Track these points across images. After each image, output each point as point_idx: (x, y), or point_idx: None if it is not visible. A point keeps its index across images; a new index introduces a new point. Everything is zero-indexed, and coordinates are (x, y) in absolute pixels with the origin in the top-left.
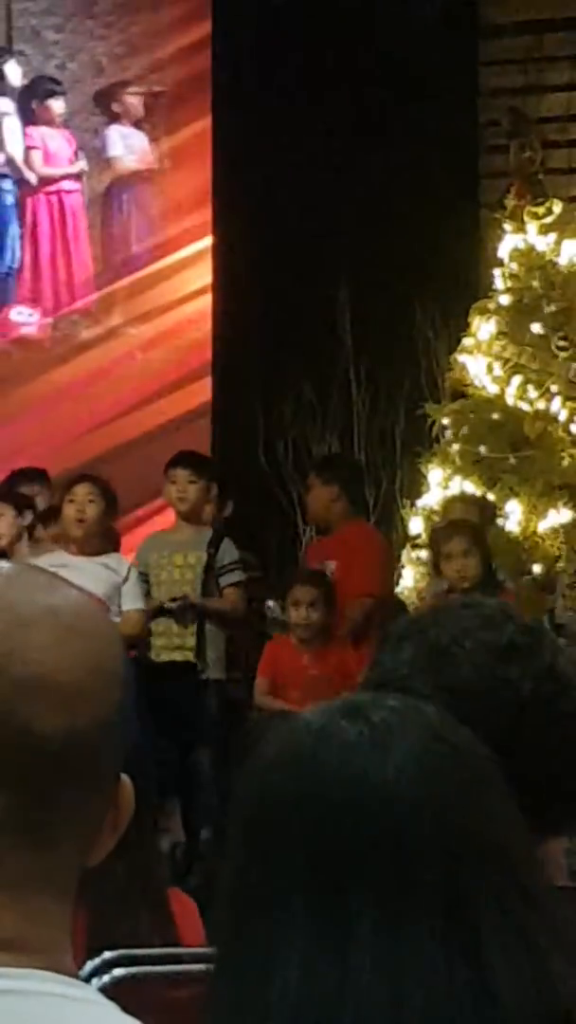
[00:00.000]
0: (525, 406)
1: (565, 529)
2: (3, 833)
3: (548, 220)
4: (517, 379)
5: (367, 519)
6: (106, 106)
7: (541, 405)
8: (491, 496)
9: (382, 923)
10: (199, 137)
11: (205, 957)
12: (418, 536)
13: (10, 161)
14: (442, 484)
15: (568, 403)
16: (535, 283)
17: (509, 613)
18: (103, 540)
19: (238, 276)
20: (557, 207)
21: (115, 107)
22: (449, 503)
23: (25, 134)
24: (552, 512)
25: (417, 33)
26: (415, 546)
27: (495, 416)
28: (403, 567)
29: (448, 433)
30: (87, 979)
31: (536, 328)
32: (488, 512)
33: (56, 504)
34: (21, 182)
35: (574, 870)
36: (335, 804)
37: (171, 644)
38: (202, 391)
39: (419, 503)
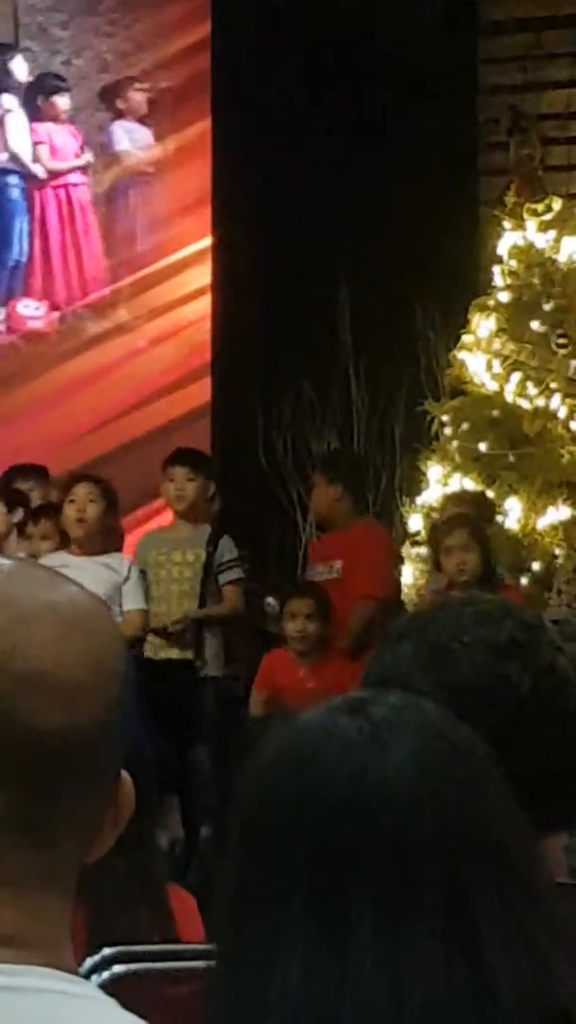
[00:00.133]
0: (524, 403)
1: (564, 526)
2: (3, 831)
3: (548, 217)
4: (516, 376)
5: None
6: (111, 102)
7: (540, 402)
8: (490, 493)
9: (382, 922)
10: (199, 136)
11: (205, 953)
12: (417, 533)
13: (14, 157)
14: (441, 481)
15: (567, 400)
16: (534, 280)
17: (509, 610)
18: (105, 540)
19: (238, 275)
20: (557, 204)
21: (120, 103)
22: (444, 501)
23: (31, 130)
24: (551, 509)
25: (417, 32)
26: (414, 543)
27: (494, 413)
28: (402, 564)
29: (447, 430)
30: (87, 976)
31: (535, 325)
32: (485, 509)
33: (48, 502)
34: (28, 177)
35: (573, 867)
36: (335, 802)
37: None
38: (203, 391)
39: (418, 500)
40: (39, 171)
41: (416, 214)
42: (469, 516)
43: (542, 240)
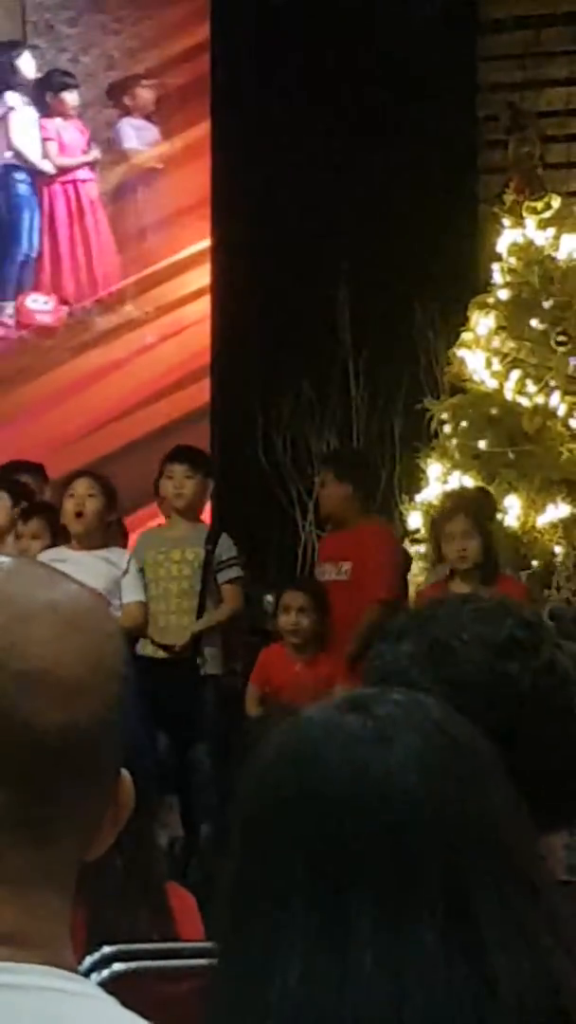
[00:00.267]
0: (524, 401)
1: (564, 524)
2: (3, 829)
3: (547, 215)
4: (516, 374)
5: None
6: (118, 99)
7: (540, 400)
8: (490, 491)
9: (382, 920)
10: (200, 136)
11: (204, 952)
12: (417, 531)
13: (19, 154)
14: (441, 479)
15: (567, 398)
16: (534, 278)
17: (508, 608)
18: (104, 535)
19: (238, 275)
20: (556, 202)
21: (127, 100)
22: (444, 499)
23: (40, 126)
24: (551, 507)
25: (416, 31)
26: (414, 541)
27: (494, 411)
28: (410, 565)
29: (447, 428)
30: (86, 974)
31: (535, 323)
32: (486, 507)
33: (39, 501)
34: (36, 173)
35: (573, 865)
36: (335, 800)
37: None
38: (204, 392)
39: (418, 498)
40: (48, 167)
41: (415, 213)
42: (470, 503)
43: (541, 238)
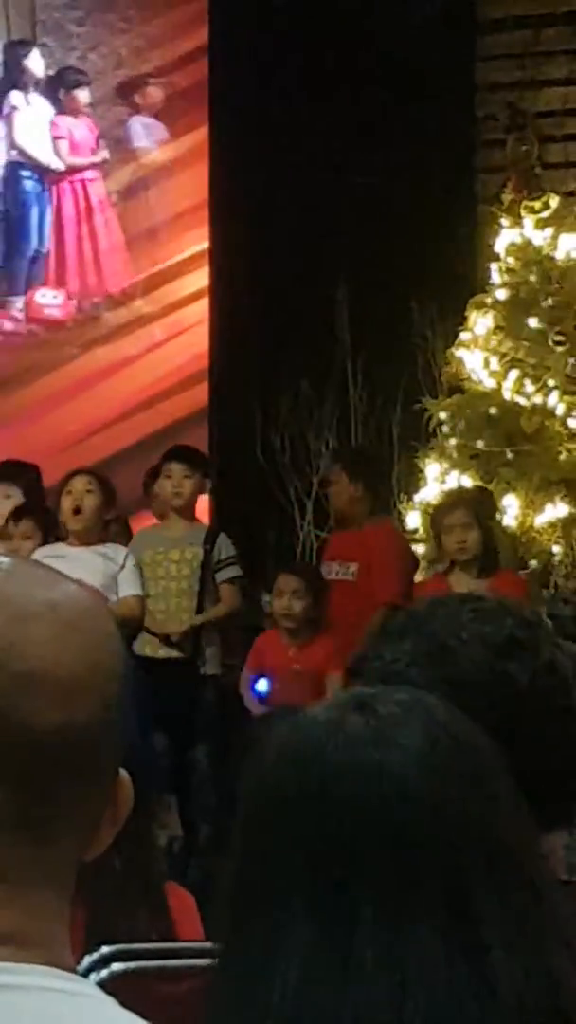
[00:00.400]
0: (522, 400)
1: (562, 523)
2: (2, 829)
3: (545, 214)
4: (514, 373)
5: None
6: (128, 97)
7: (538, 399)
8: (490, 491)
9: (383, 920)
10: (199, 137)
11: (203, 951)
12: (416, 531)
13: (23, 151)
14: (439, 479)
15: (565, 397)
16: (532, 277)
17: (508, 608)
18: (102, 532)
19: (237, 274)
20: (554, 201)
21: (137, 98)
22: (443, 498)
23: (52, 124)
24: (549, 506)
25: (416, 31)
26: (413, 541)
27: (492, 411)
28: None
29: (445, 428)
30: (85, 974)
31: (533, 322)
32: (486, 505)
33: (31, 502)
34: (45, 170)
35: (573, 864)
36: (336, 801)
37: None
38: (205, 393)
39: (416, 498)
40: (58, 165)
41: (414, 212)
42: (470, 496)
43: (539, 237)
